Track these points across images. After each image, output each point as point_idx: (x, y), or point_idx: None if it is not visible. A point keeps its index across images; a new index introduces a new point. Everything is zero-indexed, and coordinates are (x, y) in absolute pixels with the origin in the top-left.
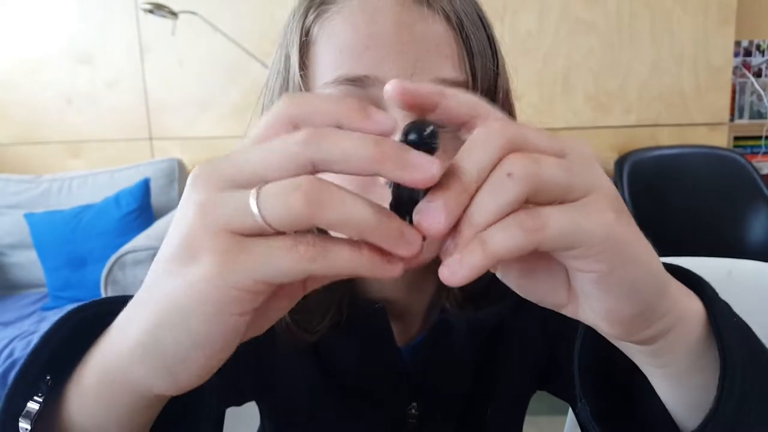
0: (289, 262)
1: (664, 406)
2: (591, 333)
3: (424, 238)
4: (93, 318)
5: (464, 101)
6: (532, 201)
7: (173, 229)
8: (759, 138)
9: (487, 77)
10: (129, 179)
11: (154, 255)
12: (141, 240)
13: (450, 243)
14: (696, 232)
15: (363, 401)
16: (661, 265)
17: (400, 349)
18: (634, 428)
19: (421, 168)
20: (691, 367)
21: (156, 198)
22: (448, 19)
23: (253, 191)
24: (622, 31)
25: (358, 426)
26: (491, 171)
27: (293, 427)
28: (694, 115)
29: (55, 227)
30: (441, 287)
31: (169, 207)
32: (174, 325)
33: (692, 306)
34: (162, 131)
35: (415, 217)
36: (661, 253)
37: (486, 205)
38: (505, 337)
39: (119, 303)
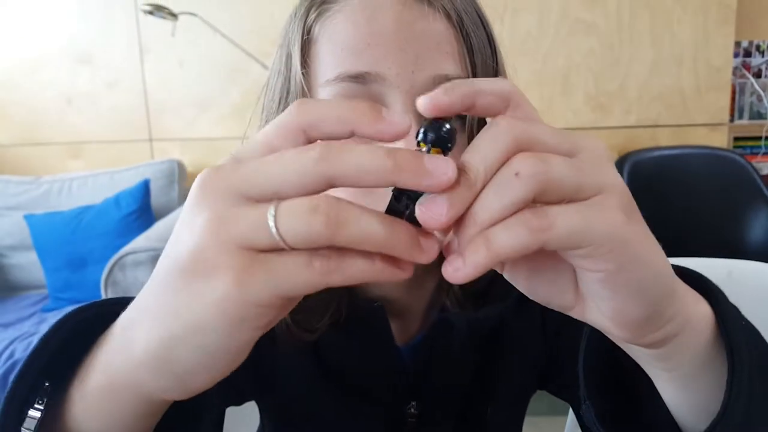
0: (307, 276)
1: (667, 408)
2: (596, 334)
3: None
4: (93, 319)
5: (499, 92)
6: (540, 200)
7: (181, 238)
8: (759, 138)
9: (486, 74)
10: (129, 180)
11: (154, 256)
12: (141, 241)
13: (454, 240)
14: (696, 232)
15: (362, 400)
16: (670, 267)
17: (399, 348)
18: (638, 430)
19: (437, 174)
20: (698, 371)
21: (156, 199)
22: (448, 16)
23: (271, 210)
24: (622, 31)
25: (358, 425)
26: (499, 169)
27: (293, 427)
28: (694, 116)
29: (55, 228)
30: (441, 286)
31: (169, 208)
32: (189, 340)
33: (700, 309)
34: (162, 132)
35: (418, 208)
36: None
37: (491, 203)
38: (505, 336)
39: (120, 305)
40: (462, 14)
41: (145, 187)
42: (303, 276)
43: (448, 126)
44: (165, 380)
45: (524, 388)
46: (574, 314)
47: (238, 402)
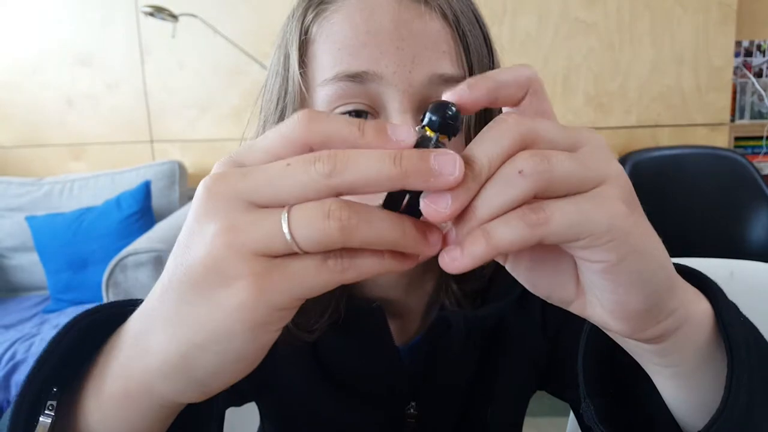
0: (323, 276)
1: (666, 406)
2: (595, 334)
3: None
4: (104, 322)
5: (521, 82)
6: (542, 196)
7: (193, 247)
8: (760, 138)
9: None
10: (130, 182)
11: (155, 257)
12: (142, 242)
13: (452, 231)
14: (697, 232)
15: (362, 400)
16: (670, 261)
17: (398, 348)
18: (637, 429)
19: (444, 174)
20: (697, 367)
21: (157, 200)
22: (444, 16)
23: (284, 216)
24: (622, 31)
25: (357, 425)
26: (502, 164)
27: (293, 427)
28: (695, 116)
29: (57, 230)
30: (439, 286)
31: (170, 209)
32: (210, 348)
33: (700, 306)
34: (162, 133)
35: (422, 202)
36: None
37: (492, 199)
38: (505, 336)
39: (133, 306)
40: (458, 14)
41: (146, 188)
42: (319, 277)
43: (453, 110)
44: (184, 386)
45: (524, 388)
46: (574, 309)
47: (239, 403)
